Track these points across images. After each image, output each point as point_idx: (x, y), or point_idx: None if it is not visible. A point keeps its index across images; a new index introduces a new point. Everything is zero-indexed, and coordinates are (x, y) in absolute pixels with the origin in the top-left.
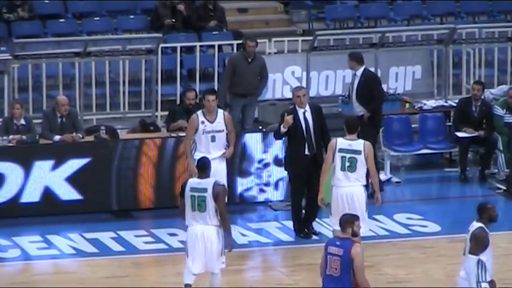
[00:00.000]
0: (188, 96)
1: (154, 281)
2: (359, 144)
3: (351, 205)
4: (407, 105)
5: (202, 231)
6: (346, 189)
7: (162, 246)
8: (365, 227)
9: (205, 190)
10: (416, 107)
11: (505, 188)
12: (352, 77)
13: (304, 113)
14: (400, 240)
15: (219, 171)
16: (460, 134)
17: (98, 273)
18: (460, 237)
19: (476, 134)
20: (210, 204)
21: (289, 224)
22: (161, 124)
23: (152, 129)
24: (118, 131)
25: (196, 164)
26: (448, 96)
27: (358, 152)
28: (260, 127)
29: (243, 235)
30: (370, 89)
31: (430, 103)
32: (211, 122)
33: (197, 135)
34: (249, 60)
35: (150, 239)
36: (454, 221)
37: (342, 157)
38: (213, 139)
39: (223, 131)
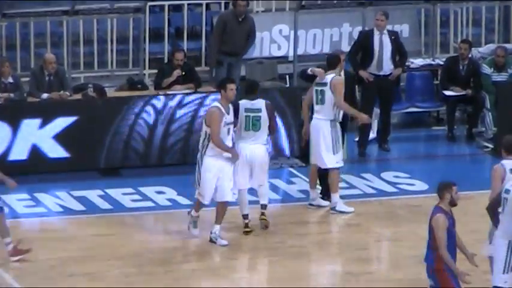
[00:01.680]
0: (177, 56)
1: (141, 239)
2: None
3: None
4: None
5: (253, 149)
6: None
7: (149, 204)
8: (331, 161)
9: (259, 110)
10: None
11: (492, 146)
12: (375, 37)
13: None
14: (388, 199)
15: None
16: (447, 93)
17: (85, 231)
18: None
19: (463, 92)
20: (264, 122)
21: (277, 182)
22: (149, 82)
23: (140, 87)
24: (106, 89)
25: (245, 88)
26: (435, 55)
27: (324, 85)
28: None
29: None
30: (398, 46)
31: (418, 62)
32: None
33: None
34: (240, 19)
35: (137, 197)
36: (442, 179)
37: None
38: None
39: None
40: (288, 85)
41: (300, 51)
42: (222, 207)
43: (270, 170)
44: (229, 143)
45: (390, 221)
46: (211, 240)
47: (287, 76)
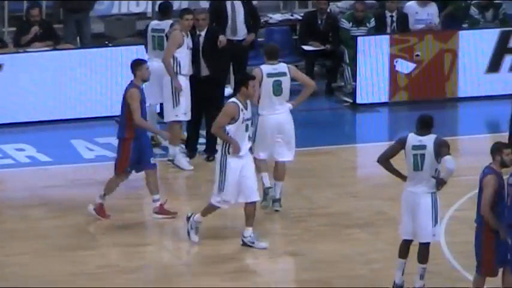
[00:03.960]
0: (32, 13)
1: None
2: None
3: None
4: None
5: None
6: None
7: (9, 161)
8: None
9: (284, 74)
10: (262, 21)
11: (351, 101)
12: (227, 2)
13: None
14: None
15: None
16: (306, 48)
17: None
18: (307, 150)
19: (322, 47)
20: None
21: None
22: (9, 40)
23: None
24: None
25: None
26: (294, 9)
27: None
28: (106, 42)
29: (90, 149)
30: (251, 10)
31: (276, 17)
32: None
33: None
34: None
35: None
36: (301, 134)
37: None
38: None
39: None
40: None
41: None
42: (250, 208)
43: None
44: (245, 139)
45: None
46: (245, 244)
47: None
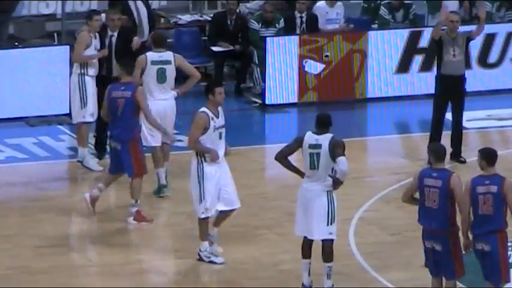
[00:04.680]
0: None
1: None
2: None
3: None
4: (162, 20)
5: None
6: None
7: None
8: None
9: (169, 62)
10: (171, 22)
11: (260, 101)
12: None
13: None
14: None
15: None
16: (215, 49)
17: None
18: None
19: (231, 48)
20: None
21: (46, 139)
22: None
23: None
24: None
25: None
26: (203, 10)
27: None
28: (16, 43)
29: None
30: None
31: (185, 18)
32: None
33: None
34: None
35: None
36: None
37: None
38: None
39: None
40: (56, 42)
41: (68, 9)
42: (229, 214)
43: (38, 127)
44: (222, 147)
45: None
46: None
47: (55, 34)
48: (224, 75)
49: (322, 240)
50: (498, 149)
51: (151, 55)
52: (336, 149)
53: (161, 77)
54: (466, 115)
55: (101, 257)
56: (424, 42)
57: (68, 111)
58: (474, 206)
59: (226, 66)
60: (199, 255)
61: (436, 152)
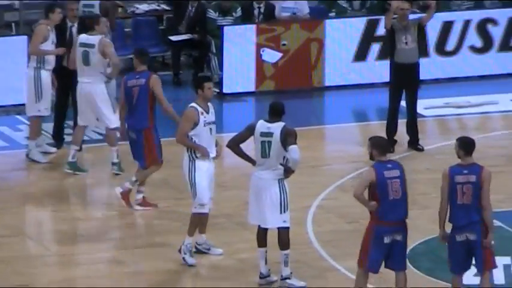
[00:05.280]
0: None
1: None
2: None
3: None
4: (119, 9)
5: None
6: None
7: None
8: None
9: (92, 46)
10: (128, 12)
11: (218, 90)
12: None
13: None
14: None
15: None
16: (173, 38)
17: None
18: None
19: (189, 37)
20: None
21: (4, 129)
22: None
23: None
24: None
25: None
26: (160, 0)
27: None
28: None
29: None
30: None
31: (143, 7)
32: None
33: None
34: None
35: None
36: (167, 124)
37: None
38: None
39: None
40: (14, 33)
41: None
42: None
43: None
44: (211, 143)
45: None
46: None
47: (13, 24)
48: (181, 65)
49: (278, 228)
50: (455, 137)
51: (82, 37)
52: (288, 138)
53: (85, 59)
54: (424, 103)
55: (59, 246)
56: (381, 30)
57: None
58: (452, 196)
59: (184, 55)
60: (182, 250)
61: (379, 145)
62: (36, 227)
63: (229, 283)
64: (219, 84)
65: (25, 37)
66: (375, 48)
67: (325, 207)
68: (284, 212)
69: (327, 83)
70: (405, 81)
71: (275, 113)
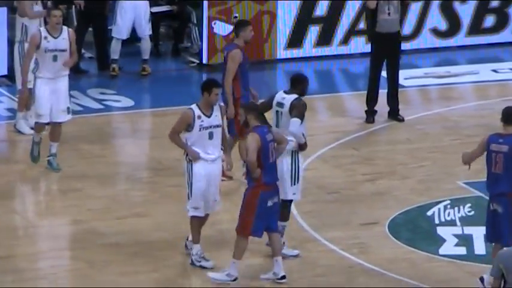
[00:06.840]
0: None
1: None
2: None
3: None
4: None
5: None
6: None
7: None
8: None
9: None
10: None
11: (198, 61)
12: None
13: None
14: (93, 116)
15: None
16: (152, 9)
17: None
18: (154, 111)
19: (169, 8)
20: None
21: None
22: None
23: None
24: None
25: None
26: None
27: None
28: None
29: None
30: None
31: None
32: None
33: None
34: None
35: None
36: (148, 95)
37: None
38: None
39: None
40: None
41: None
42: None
43: None
44: (210, 146)
45: (96, 137)
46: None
47: None
48: (161, 36)
49: (282, 200)
50: (436, 107)
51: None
52: (293, 110)
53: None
54: (405, 73)
55: (40, 218)
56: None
57: (7, 73)
58: (488, 164)
59: (164, 26)
60: (191, 259)
61: (253, 108)
62: (17, 198)
63: (209, 254)
64: (198, 55)
65: (5, 8)
66: None
67: (305, 178)
68: (294, 184)
69: (279, 56)
70: (386, 51)
71: (292, 84)
